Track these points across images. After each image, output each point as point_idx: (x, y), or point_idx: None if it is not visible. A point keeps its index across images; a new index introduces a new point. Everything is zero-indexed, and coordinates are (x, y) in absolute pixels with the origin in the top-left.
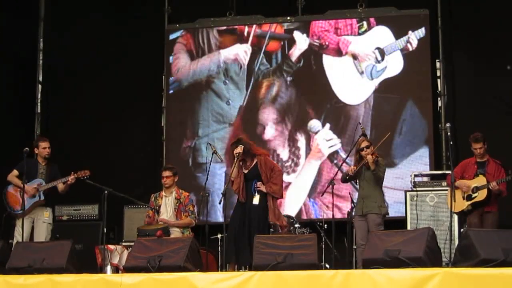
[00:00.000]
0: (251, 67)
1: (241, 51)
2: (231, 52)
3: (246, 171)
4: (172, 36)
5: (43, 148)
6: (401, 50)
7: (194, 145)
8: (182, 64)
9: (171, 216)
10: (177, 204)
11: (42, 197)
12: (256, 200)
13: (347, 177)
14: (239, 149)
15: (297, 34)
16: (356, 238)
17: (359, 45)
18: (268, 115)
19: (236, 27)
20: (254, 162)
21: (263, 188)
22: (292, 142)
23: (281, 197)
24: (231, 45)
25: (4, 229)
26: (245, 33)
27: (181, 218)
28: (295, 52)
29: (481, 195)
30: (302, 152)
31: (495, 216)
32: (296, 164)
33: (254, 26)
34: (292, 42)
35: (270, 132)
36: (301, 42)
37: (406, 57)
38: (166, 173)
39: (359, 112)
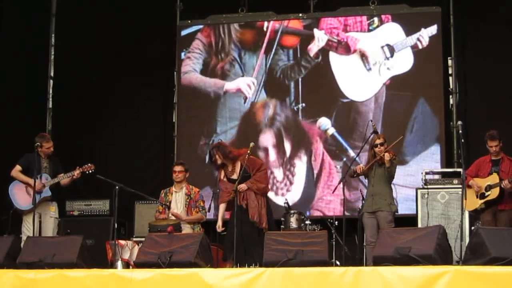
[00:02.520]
0: (266, 63)
1: (244, 85)
2: (234, 85)
3: (235, 176)
4: (184, 32)
5: (47, 148)
6: (412, 47)
7: (212, 142)
8: (190, 69)
9: (181, 211)
10: (188, 200)
11: (49, 193)
12: None
13: (354, 175)
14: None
15: (316, 31)
16: (365, 235)
17: (367, 42)
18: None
19: (255, 22)
20: (239, 165)
21: (243, 187)
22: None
23: (265, 194)
24: (250, 40)
25: (12, 225)
26: (264, 28)
27: (191, 214)
28: (314, 48)
29: (493, 193)
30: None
31: (508, 215)
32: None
33: (272, 22)
34: (310, 38)
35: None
36: (321, 39)
37: (417, 54)
38: (178, 168)
39: (368, 109)
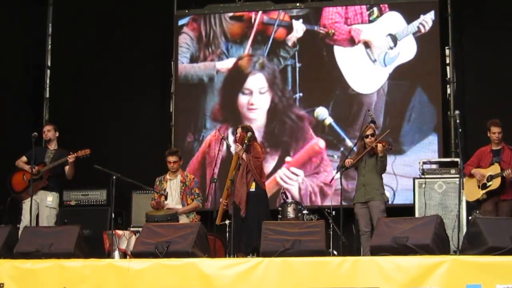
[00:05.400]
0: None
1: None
2: (226, 64)
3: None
4: (181, 22)
5: (43, 132)
6: (414, 33)
7: (202, 138)
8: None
9: (176, 199)
10: (183, 187)
11: (45, 179)
12: (252, 187)
13: (343, 169)
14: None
15: (295, 23)
16: (359, 225)
17: (371, 32)
18: None
19: (244, 13)
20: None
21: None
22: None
23: (258, 168)
24: (238, 32)
25: (10, 213)
26: (252, 20)
27: (187, 201)
28: (292, 38)
29: (495, 184)
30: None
31: (510, 205)
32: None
33: (260, 13)
34: (291, 29)
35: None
36: (299, 29)
37: (419, 40)
38: (173, 158)
39: (372, 100)
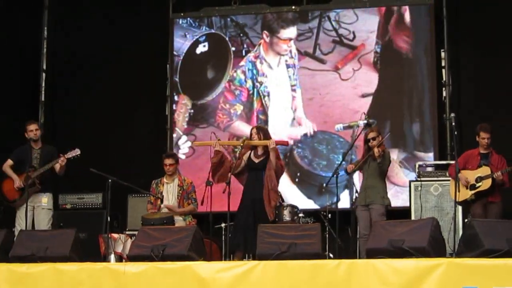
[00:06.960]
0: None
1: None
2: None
3: (257, 161)
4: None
5: (30, 130)
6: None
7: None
8: None
9: (173, 203)
10: (180, 191)
11: (37, 183)
12: None
13: (348, 174)
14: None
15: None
16: (358, 228)
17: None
18: None
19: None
20: (266, 153)
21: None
22: None
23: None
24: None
25: (4, 218)
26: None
27: (183, 206)
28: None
29: (485, 185)
30: None
31: (499, 207)
32: None
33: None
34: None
35: None
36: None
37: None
38: (169, 161)
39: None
